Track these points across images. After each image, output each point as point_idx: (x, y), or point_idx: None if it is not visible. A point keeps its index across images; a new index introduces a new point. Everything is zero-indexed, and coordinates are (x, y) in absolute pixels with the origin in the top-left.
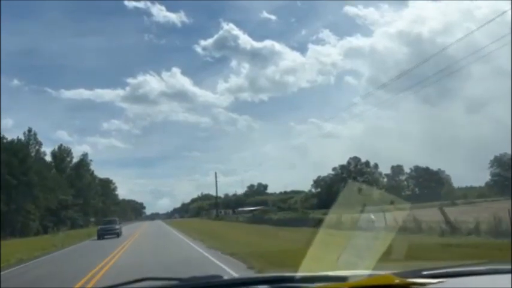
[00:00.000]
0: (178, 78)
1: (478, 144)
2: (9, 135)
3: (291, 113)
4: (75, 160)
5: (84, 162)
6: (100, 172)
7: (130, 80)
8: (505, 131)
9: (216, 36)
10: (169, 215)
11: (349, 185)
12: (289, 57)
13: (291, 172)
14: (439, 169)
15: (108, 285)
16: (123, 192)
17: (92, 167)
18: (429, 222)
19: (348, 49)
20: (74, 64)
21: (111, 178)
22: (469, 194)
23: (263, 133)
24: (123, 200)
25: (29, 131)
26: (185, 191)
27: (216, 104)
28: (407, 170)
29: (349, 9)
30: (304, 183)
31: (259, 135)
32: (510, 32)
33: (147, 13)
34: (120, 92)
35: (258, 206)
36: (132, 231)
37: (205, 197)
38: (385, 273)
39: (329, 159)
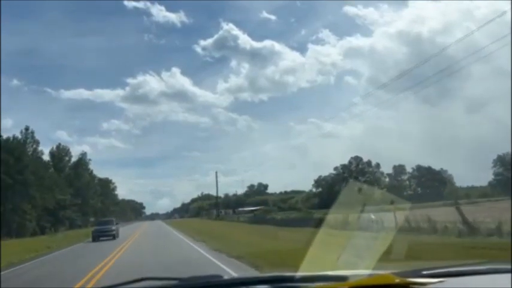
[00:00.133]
0: (178, 78)
1: (478, 144)
2: (9, 135)
3: (290, 113)
4: (73, 159)
5: (83, 161)
6: (100, 172)
7: (130, 80)
8: (505, 131)
9: (215, 36)
10: (169, 215)
11: (350, 185)
12: (289, 57)
13: (291, 172)
14: (442, 168)
15: (107, 285)
16: (123, 192)
17: (91, 166)
18: (444, 222)
19: (348, 49)
20: (74, 64)
21: (110, 178)
22: (471, 194)
23: (263, 133)
24: (123, 200)
25: (26, 129)
26: (185, 191)
27: (215, 104)
28: (409, 169)
29: (349, 9)
30: (304, 183)
31: (259, 135)
32: (510, 32)
33: (147, 13)
34: (120, 92)
35: (258, 206)
36: (131, 231)
37: (205, 197)
38: (385, 272)
39: (329, 159)
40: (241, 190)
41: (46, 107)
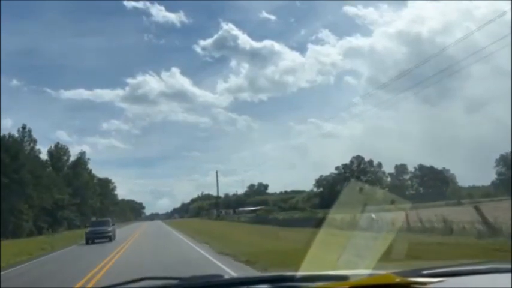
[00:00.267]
0: (177, 78)
1: (478, 144)
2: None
3: (290, 113)
4: (72, 159)
5: (81, 160)
6: (100, 172)
7: (129, 80)
8: (505, 130)
9: (215, 36)
10: (169, 215)
11: (350, 185)
12: (289, 57)
13: (291, 172)
14: (444, 168)
15: (108, 285)
16: (122, 192)
17: (90, 165)
18: (462, 222)
19: (348, 49)
20: (74, 64)
21: (110, 178)
22: (474, 194)
23: (263, 133)
24: (123, 200)
25: (23, 127)
26: (185, 191)
27: (215, 104)
28: (411, 169)
29: (349, 9)
30: (305, 183)
31: (259, 135)
32: (510, 32)
33: (147, 13)
34: (119, 92)
35: (258, 206)
36: (132, 231)
37: (205, 197)
38: (386, 272)
39: (329, 159)
40: (241, 190)
41: (46, 107)
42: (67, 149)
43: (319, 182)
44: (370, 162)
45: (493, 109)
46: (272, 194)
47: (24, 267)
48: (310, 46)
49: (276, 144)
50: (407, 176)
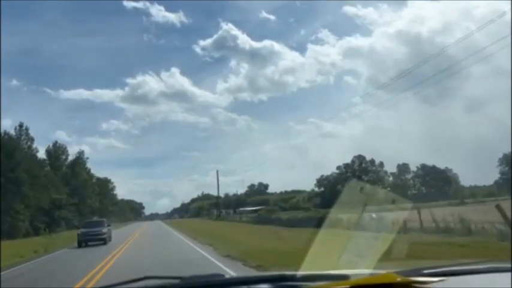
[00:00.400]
0: (177, 78)
1: (479, 143)
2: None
3: (290, 113)
4: (71, 158)
5: (80, 160)
6: (99, 172)
7: (129, 80)
8: (505, 130)
9: (215, 36)
10: (168, 215)
11: (351, 184)
12: (289, 57)
13: (291, 172)
14: (446, 167)
15: (109, 284)
16: (122, 192)
17: (89, 165)
18: (481, 222)
19: (347, 49)
20: (73, 64)
21: (109, 178)
22: (477, 193)
23: (262, 133)
24: (122, 200)
25: (20, 126)
26: (185, 191)
27: (215, 104)
28: (413, 168)
29: (348, 9)
30: (305, 183)
31: (259, 135)
32: (510, 33)
33: (146, 13)
34: (119, 92)
35: (259, 206)
36: (131, 231)
37: (205, 197)
38: (386, 271)
39: (329, 159)
40: (241, 190)
41: (45, 107)
42: (65, 148)
43: (320, 181)
44: (372, 161)
45: (493, 109)
46: (272, 194)
47: (9, 273)
48: (309, 46)
49: (276, 144)
50: (409, 176)
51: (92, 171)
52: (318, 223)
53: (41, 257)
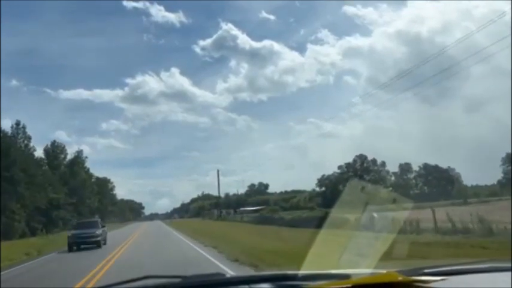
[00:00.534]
0: (177, 78)
1: (479, 143)
2: None
3: (290, 113)
4: (69, 157)
5: (79, 159)
6: (99, 172)
7: (129, 80)
8: (505, 130)
9: (215, 36)
10: (168, 215)
11: (352, 183)
12: (288, 57)
13: (290, 172)
14: (449, 167)
15: (110, 283)
16: (122, 192)
17: (88, 164)
18: (500, 223)
19: (347, 49)
20: (73, 64)
21: (109, 178)
22: (480, 193)
23: (262, 133)
24: (122, 200)
25: (17, 124)
26: (185, 191)
27: (215, 104)
28: (415, 167)
29: (348, 9)
30: (305, 183)
31: (259, 135)
32: (510, 33)
33: (146, 13)
34: (119, 92)
35: (259, 206)
36: (131, 232)
37: (205, 197)
38: (388, 271)
39: (329, 159)
40: (241, 190)
41: (45, 107)
42: (64, 147)
43: (322, 181)
44: (374, 161)
45: (493, 109)
46: (272, 194)
47: None
48: (309, 46)
49: (276, 144)
50: (411, 175)
51: (92, 171)
52: (322, 223)
53: (33, 260)
